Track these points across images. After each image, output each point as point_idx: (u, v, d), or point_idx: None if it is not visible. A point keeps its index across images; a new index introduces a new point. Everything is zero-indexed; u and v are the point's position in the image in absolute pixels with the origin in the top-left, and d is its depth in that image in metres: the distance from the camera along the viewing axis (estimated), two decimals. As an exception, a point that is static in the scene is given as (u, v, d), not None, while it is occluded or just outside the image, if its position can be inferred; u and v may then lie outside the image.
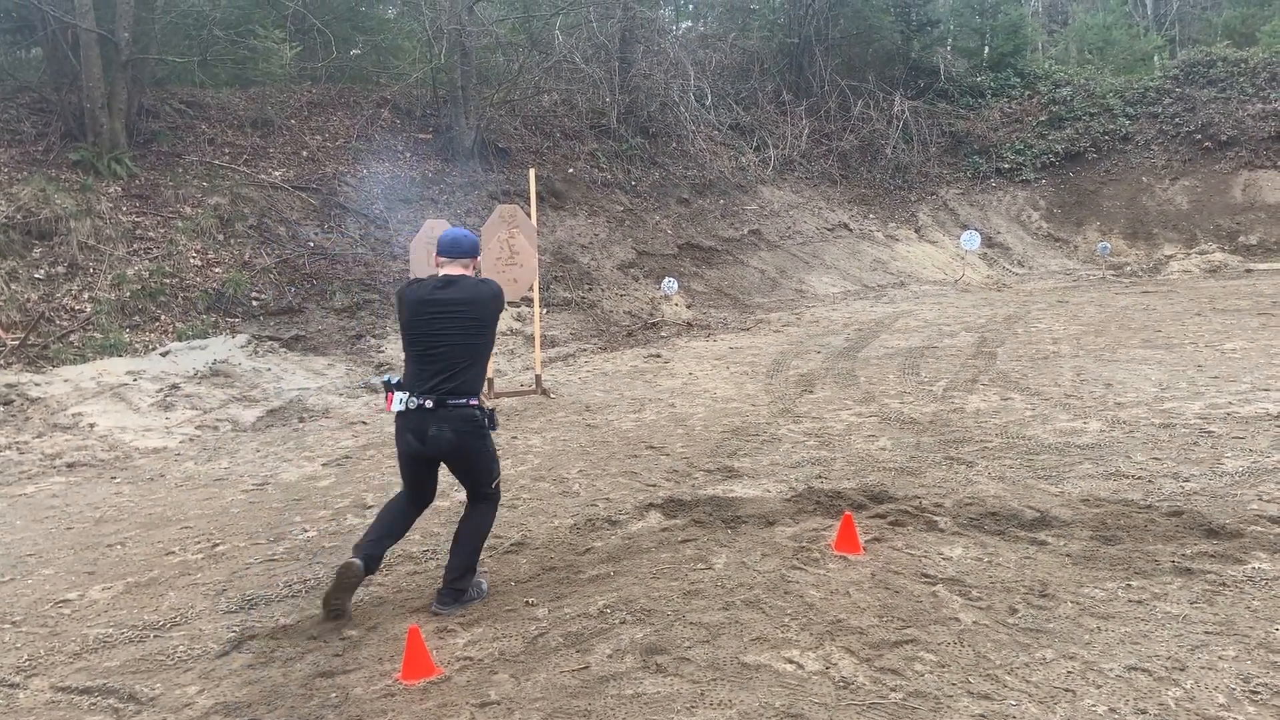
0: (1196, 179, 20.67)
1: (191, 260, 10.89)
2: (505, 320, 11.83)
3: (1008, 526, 5.17)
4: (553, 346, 11.43)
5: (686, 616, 4.10)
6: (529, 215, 8.78)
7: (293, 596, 4.54)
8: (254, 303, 10.64)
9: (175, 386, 8.67)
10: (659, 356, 11.06)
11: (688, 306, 13.98)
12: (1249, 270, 17.63)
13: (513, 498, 5.91)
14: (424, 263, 8.17)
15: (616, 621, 4.07)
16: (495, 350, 10.79)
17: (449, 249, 4.42)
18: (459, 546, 4.35)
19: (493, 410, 4.45)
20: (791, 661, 3.69)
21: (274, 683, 3.69)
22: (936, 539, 5.02)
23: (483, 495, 4.44)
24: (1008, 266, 19.80)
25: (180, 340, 9.64)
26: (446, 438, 4.21)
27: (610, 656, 3.77)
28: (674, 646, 3.82)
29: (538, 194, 14.85)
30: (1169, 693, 3.41)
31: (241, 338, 9.90)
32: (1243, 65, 22.05)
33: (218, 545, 5.33)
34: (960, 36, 25.57)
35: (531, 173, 8.61)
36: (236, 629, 4.21)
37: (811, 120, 21.97)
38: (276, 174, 12.85)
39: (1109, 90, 22.69)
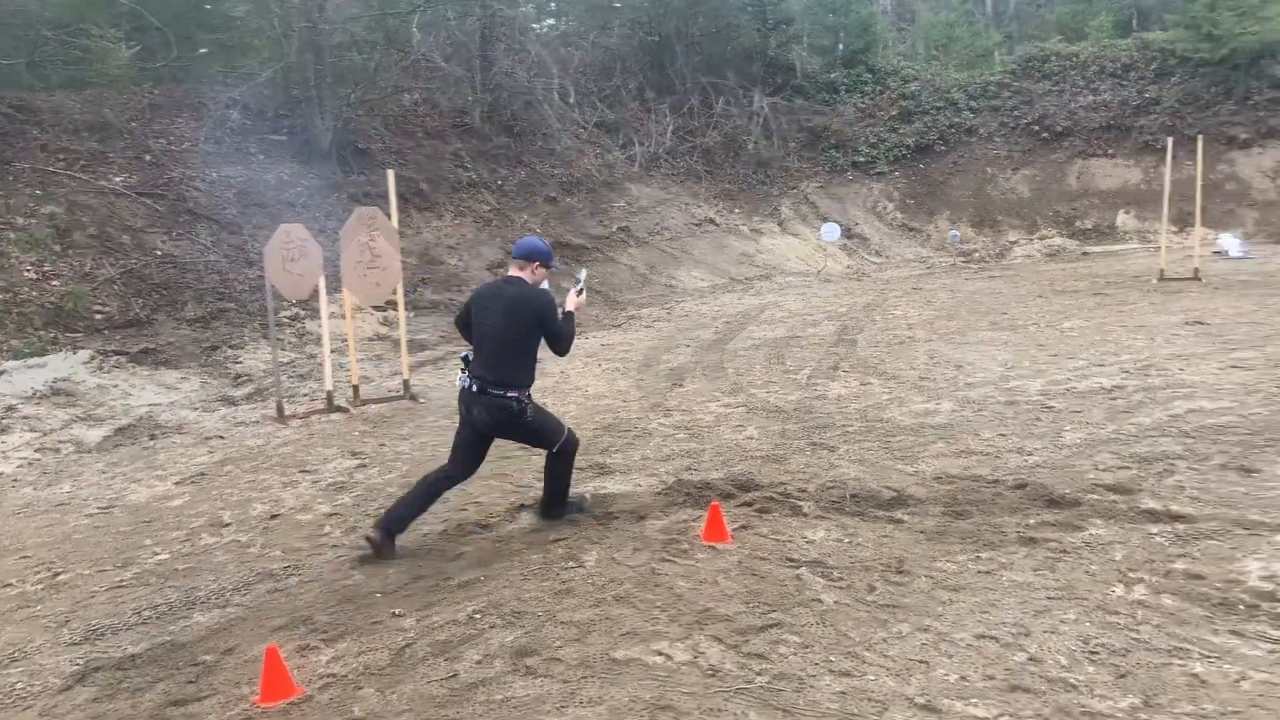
0: (1036, 168, 21.87)
1: (26, 273, 10.21)
2: (371, 325, 11.55)
3: (867, 507, 5.36)
4: (422, 350, 11.21)
5: (557, 616, 4.09)
6: (389, 217, 8.59)
7: (142, 624, 4.31)
8: (98, 316, 10.06)
9: (11, 408, 8.11)
10: (530, 356, 10.98)
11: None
12: (1085, 253, 18.78)
13: (380, 506, 5.76)
14: (278, 269, 7.89)
15: (486, 626, 4.03)
16: (361, 356, 10.50)
17: (514, 251, 5.20)
18: (547, 485, 5.28)
19: (529, 404, 5.01)
20: (661, 653, 3.73)
21: (121, 715, 3.50)
22: (800, 523, 5.16)
23: (553, 454, 5.16)
24: (866, 256, 20.50)
25: (16, 359, 9.02)
26: (484, 419, 4.98)
27: (480, 662, 3.73)
28: (544, 647, 3.81)
29: (402, 195, 14.55)
30: (1015, 658, 3.60)
31: (84, 354, 9.33)
32: (1074, 59, 23.44)
33: (59, 574, 5.02)
34: (814, 34, 26.29)
35: (390, 174, 8.40)
36: (80, 661, 3.98)
37: (675, 117, 22.21)
38: (118, 180, 12.17)
39: (953, 85, 23.76)
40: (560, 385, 9.30)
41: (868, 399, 8.06)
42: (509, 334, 4.93)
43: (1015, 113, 22.82)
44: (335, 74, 14.39)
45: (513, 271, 5.10)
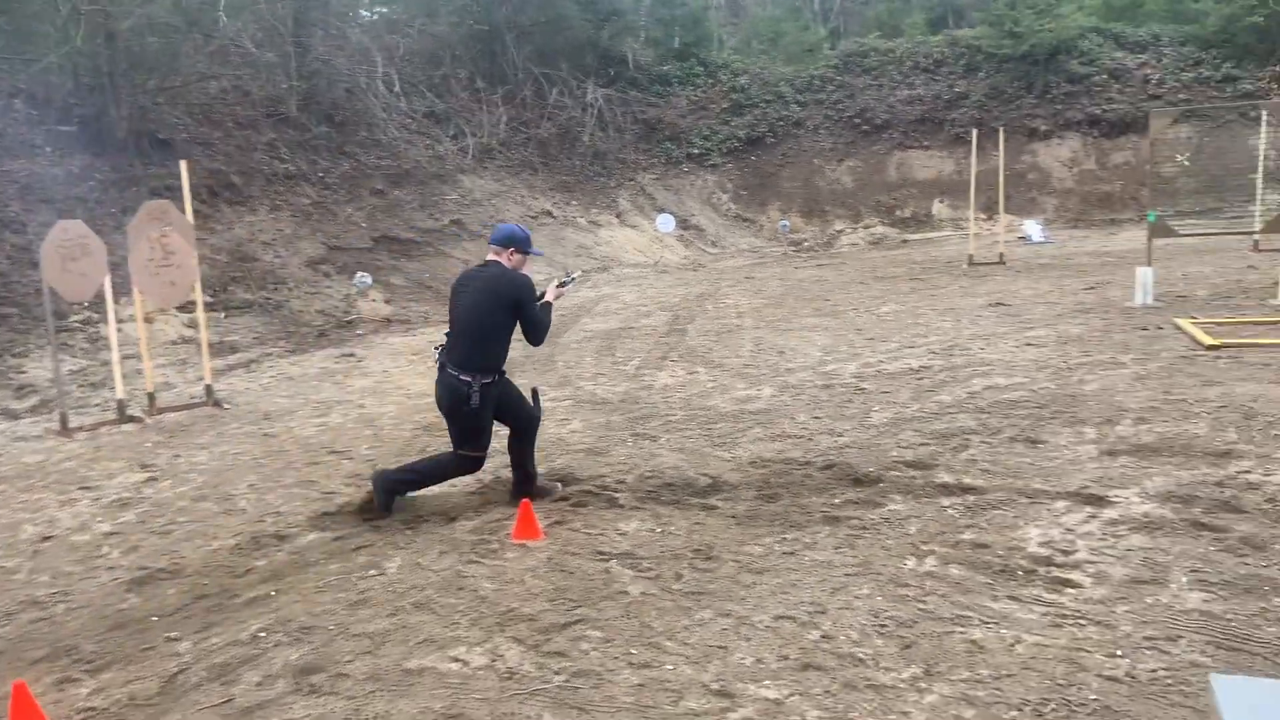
0: (859, 160, 22.75)
1: None
2: (175, 327, 10.84)
3: (682, 495, 5.36)
4: (233, 353, 10.61)
5: (350, 629, 3.89)
6: (184, 211, 8.04)
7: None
8: None
9: None
10: (352, 355, 10.57)
11: (386, 301, 13.50)
12: (905, 241, 19.67)
13: (168, 522, 5.37)
14: (57, 269, 7.25)
15: (271, 645, 3.78)
16: (163, 361, 9.85)
17: (491, 238, 5.24)
18: (420, 462, 5.37)
19: (481, 390, 5.00)
20: (457, 660, 3.59)
21: None
22: (615, 515, 5.11)
23: (460, 451, 5.18)
24: (702, 247, 20.82)
25: None
26: (442, 396, 5.14)
27: (259, 684, 3.48)
28: (332, 663, 3.60)
29: (210, 189, 13.74)
30: (809, 636, 3.65)
31: None
32: (891, 55, 24.50)
33: None
34: (647, 26, 26.49)
35: (184, 165, 7.86)
36: None
37: (508, 108, 21.90)
38: (-122, 175, 10.97)
39: (781, 79, 24.42)
40: (381, 385, 8.97)
41: (693, 387, 8.13)
42: (479, 313, 4.99)
43: (839, 106, 23.67)
44: (131, 60, 13.41)
45: (490, 256, 5.17)
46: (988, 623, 3.65)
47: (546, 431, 6.98)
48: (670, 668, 3.46)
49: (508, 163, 21.09)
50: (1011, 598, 3.85)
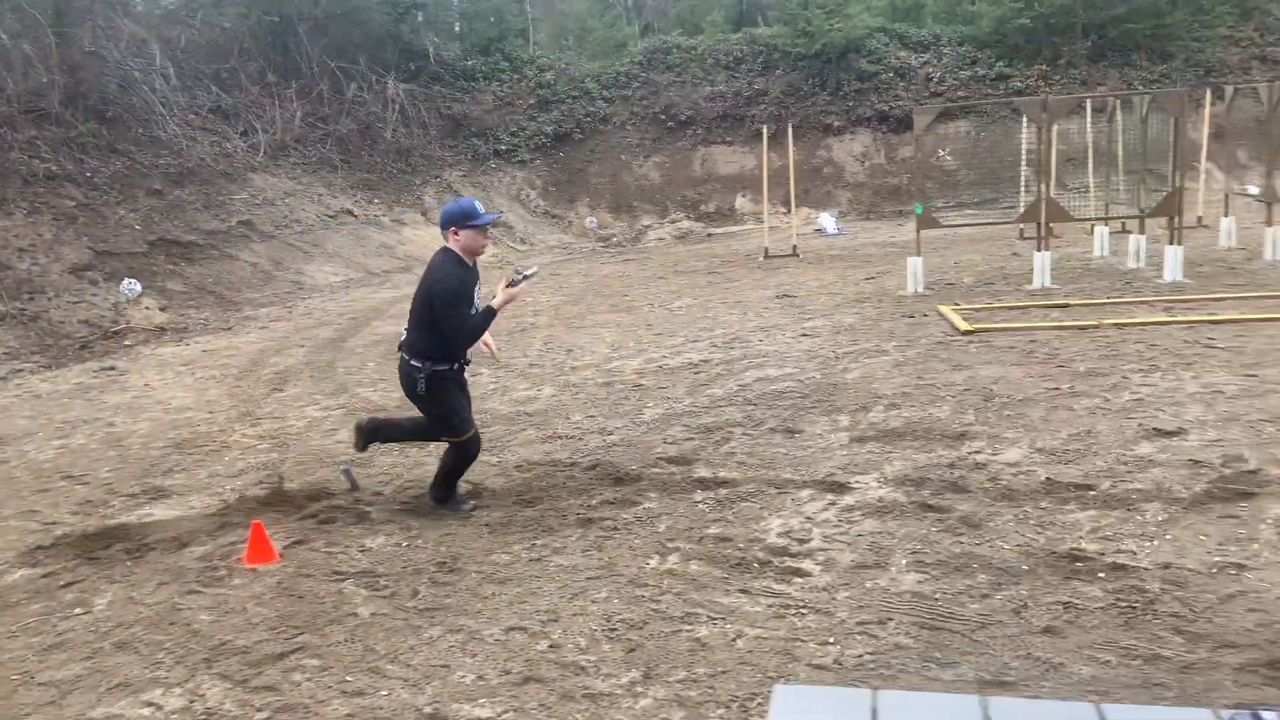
0: (665, 155, 23.07)
1: None
2: (-95, 346, 9.74)
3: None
4: (-26, 370, 9.63)
5: (36, 677, 3.52)
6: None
7: None
8: None
9: None
10: (113, 369, 9.78)
11: (162, 309, 12.60)
12: (709, 235, 20.05)
13: None
14: None
15: (-63, 705, 3.38)
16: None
17: None
18: (438, 470, 5.16)
19: (429, 377, 4.86)
20: (151, 704, 3.31)
21: None
22: (361, 531, 4.89)
23: (450, 440, 5.02)
24: (511, 244, 20.58)
25: None
26: (400, 380, 5.06)
27: (-89, 753, 3.10)
28: (7, 718, 3.24)
29: (-49, 191, 12.45)
30: (538, 647, 3.56)
31: None
32: (693, 51, 24.94)
33: None
34: (449, 20, 25.97)
35: (-112, 165, 7.05)
36: None
37: (304, 103, 20.93)
38: None
39: (587, 75, 24.45)
40: (139, 400, 8.33)
41: (473, 390, 7.92)
42: (416, 300, 4.93)
43: (644, 102, 23.91)
44: None
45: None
46: (715, 619, 3.67)
47: (310, 442, 6.68)
48: (385, 694, 3.30)
49: (304, 160, 20.18)
50: (743, 591, 3.89)
